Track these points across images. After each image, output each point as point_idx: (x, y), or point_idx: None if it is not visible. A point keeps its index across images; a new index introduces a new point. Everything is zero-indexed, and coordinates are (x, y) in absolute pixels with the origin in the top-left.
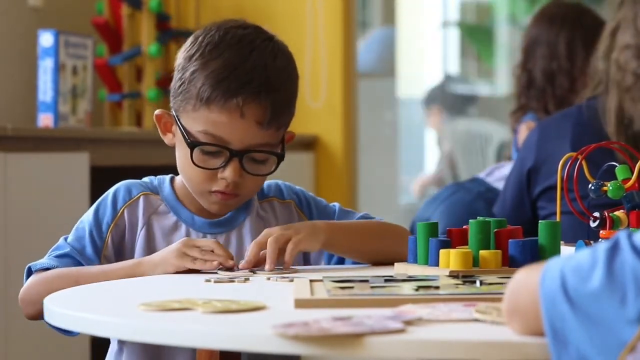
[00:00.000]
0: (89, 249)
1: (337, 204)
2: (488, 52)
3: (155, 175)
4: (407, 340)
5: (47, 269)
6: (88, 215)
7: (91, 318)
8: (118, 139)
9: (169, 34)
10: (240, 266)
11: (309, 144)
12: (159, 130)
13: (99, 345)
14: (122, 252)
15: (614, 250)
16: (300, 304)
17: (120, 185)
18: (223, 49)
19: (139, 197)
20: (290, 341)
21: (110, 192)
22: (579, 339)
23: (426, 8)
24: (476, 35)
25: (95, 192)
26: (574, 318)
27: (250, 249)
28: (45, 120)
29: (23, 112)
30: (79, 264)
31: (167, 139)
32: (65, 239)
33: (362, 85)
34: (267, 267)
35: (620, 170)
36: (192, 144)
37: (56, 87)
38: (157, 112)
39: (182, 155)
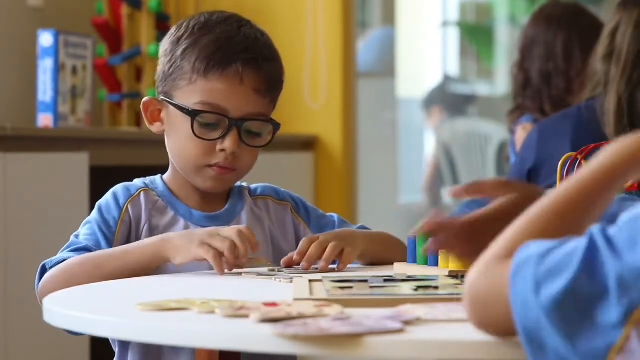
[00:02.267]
0: (103, 244)
1: (335, 215)
2: (488, 52)
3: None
4: (406, 340)
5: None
6: (93, 216)
7: (90, 318)
8: (118, 139)
9: None
10: (302, 266)
11: (309, 144)
12: (145, 119)
13: (99, 345)
14: None
15: (590, 249)
16: None
17: (117, 186)
18: (212, 27)
19: (139, 192)
20: (289, 341)
21: (108, 194)
22: (556, 344)
23: (426, 8)
24: (476, 35)
25: (95, 192)
26: (550, 323)
27: (304, 246)
28: (44, 120)
29: (23, 112)
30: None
31: (155, 127)
32: (76, 237)
33: (362, 85)
34: (320, 265)
35: None
36: (193, 112)
37: (56, 87)
38: (144, 99)
39: (176, 136)
